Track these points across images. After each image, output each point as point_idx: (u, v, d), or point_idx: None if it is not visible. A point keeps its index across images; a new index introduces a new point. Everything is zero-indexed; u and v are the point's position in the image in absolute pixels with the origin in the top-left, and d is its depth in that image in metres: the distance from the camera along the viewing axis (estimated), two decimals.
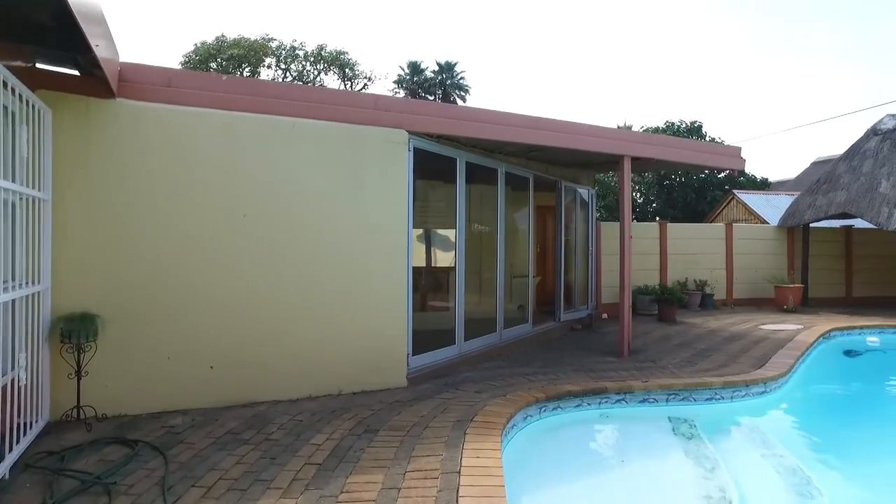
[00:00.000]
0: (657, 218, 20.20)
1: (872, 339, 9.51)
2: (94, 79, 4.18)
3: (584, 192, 10.77)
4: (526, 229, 9.30)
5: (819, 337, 8.72)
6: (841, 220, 13.47)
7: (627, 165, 7.59)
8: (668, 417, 5.39)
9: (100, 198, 4.64)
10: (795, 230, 13.52)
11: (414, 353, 6.08)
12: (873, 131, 12.52)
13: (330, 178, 5.52)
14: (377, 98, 5.86)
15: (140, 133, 4.77)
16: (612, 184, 20.34)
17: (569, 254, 10.42)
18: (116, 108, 4.66)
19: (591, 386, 5.50)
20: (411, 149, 6.02)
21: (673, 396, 5.61)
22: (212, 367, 4.98)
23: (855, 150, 12.66)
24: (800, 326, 9.78)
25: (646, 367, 6.70)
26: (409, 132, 5.94)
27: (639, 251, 12.31)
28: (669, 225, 12.70)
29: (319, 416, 4.77)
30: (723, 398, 5.71)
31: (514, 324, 8.51)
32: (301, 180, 5.38)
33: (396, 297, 5.85)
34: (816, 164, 24.67)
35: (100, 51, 3.36)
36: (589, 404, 5.43)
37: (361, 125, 5.66)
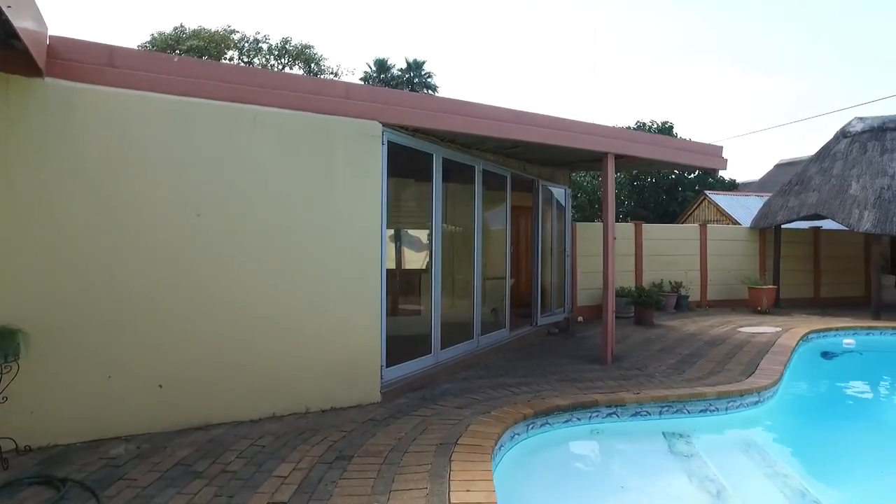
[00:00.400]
0: (629, 218, 20.13)
1: (848, 342, 9.44)
2: (14, 52, 3.55)
3: (560, 191, 10.45)
4: (503, 229, 8.90)
5: (799, 340, 8.57)
6: (810, 222, 13.53)
7: (611, 163, 7.26)
8: (663, 433, 5.04)
9: (25, 193, 4.00)
10: (767, 231, 13.51)
11: (388, 365, 5.59)
12: (842, 133, 12.58)
13: (296, 173, 4.98)
14: (349, 87, 5.34)
15: (75, 119, 4.15)
16: (584, 183, 20.18)
17: (545, 255, 10.08)
18: (45, 89, 4.03)
19: (580, 399, 5.11)
20: (385, 142, 5.52)
21: (666, 409, 5.27)
22: (160, 387, 4.39)
23: (825, 152, 12.70)
24: (778, 329, 9.65)
25: (632, 375, 6.36)
26: (384, 124, 5.44)
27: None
28: (645, 226, 12.51)
29: (285, 441, 4.24)
30: (717, 409, 5.40)
31: (491, 329, 8.10)
32: (264, 176, 4.82)
33: (369, 305, 5.34)
34: (780, 167, 25.11)
35: (14, 14, 2.77)
36: (579, 419, 5.04)
37: (332, 116, 5.13)
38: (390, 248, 6.97)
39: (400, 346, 5.99)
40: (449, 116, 5.80)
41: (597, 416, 5.09)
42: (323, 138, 5.10)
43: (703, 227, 13.05)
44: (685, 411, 5.31)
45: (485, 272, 8.10)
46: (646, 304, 10.49)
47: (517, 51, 64.89)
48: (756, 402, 5.61)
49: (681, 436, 4.97)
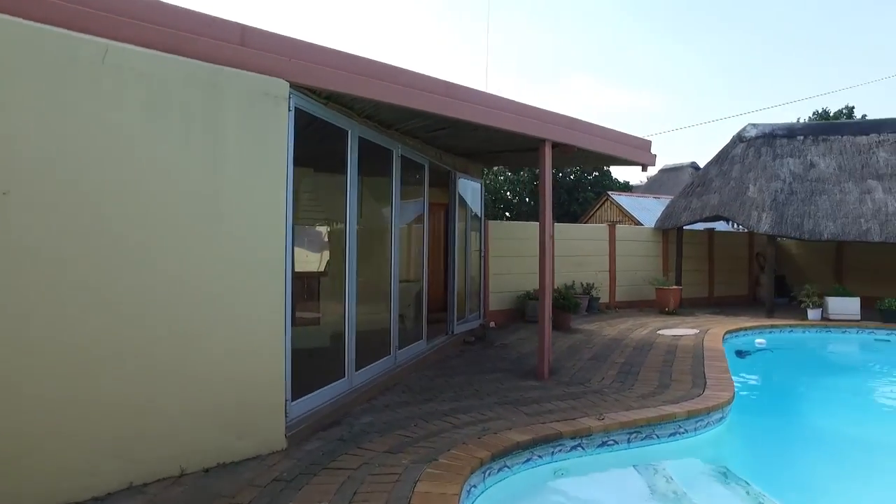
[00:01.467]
0: (531, 218, 19.95)
1: (760, 341, 9.47)
2: None
3: (475, 185, 9.58)
4: (420, 226, 7.84)
5: (722, 342, 8.37)
6: (707, 223, 13.88)
7: (548, 153, 6.46)
8: (635, 467, 4.24)
9: None
10: (669, 232, 13.64)
11: (294, 397, 4.30)
12: (739, 138, 12.96)
13: (166, 142, 3.55)
14: (246, 30, 3.99)
15: None
16: (487, 182, 19.68)
17: (461, 255, 9.18)
18: None
19: (542, 433, 4.17)
20: (293, 108, 4.24)
21: (635, 435, 4.49)
22: None
23: (724, 156, 13.01)
24: (695, 330, 9.47)
25: (579, 393, 5.57)
26: (292, 85, 4.16)
27: (524, 253, 11.45)
28: (557, 225, 12.02)
29: None
30: (686, 431, 4.72)
31: (408, 342, 7.01)
32: (115, 143, 3.36)
33: (269, 322, 4.04)
34: (664, 172, 26.41)
35: None
36: (540, 456, 4.10)
37: (223, 67, 3.77)
38: (297, 250, 5.65)
39: (307, 371, 4.73)
40: (377, 83, 4.63)
41: (560, 450, 4.19)
42: (208, 96, 3.72)
43: (611, 227, 12.86)
44: (654, 436, 4.57)
45: (401, 275, 7.00)
46: (564, 307, 9.92)
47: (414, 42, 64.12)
48: (721, 419, 5.03)
49: (655, 470, 4.20)
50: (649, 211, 16.27)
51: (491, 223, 11.07)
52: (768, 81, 59.57)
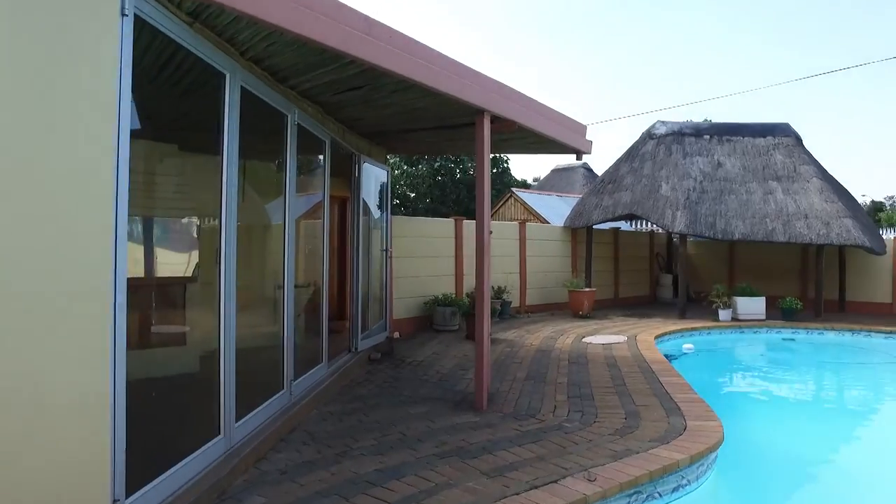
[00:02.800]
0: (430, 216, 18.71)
1: (688, 346, 8.93)
2: None
3: (382, 173, 8.11)
4: (319, 219, 6.27)
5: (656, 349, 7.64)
6: (613, 223, 13.50)
7: (487, 128, 5.19)
8: None
9: None
10: (579, 231, 13.04)
11: (132, 490, 2.62)
12: (648, 135, 12.64)
13: None
14: None
15: None
16: None
17: (365, 255, 7.69)
18: None
19: None
20: (130, 12, 2.56)
21: (636, 496, 3.31)
22: None
23: (634, 152, 12.62)
24: (622, 337, 8.71)
25: (535, 431, 4.35)
26: None
27: (435, 253, 10.18)
28: (465, 222, 10.87)
29: None
30: (689, 482, 3.64)
31: (306, 367, 5.43)
32: None
33: (80, 384, 2.35)
34: (556, 171, 26.46)
35: None
36: None
37: None
38: (138, 246, 3.88)
39: (159, 436, 3.05)
40: None
41: None
42: None
43: (522, 224, 11.95)
44: (656, 495, 3.43)
45: (297, 280, 5.44)
46: None
47: None
48: (715, 459, 4.02)
49: None
50: (554, 209, 15.74)
51: (396, 219, 9.66)
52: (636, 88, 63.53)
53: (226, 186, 3.67)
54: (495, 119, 5.35)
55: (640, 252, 14.95)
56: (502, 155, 20.82)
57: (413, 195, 18.68)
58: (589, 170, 25.51)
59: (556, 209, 15.99)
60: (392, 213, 9.48)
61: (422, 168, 17.57)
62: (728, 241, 14.41)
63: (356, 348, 7.02)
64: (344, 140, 6.64)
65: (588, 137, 7.07)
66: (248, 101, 3.90)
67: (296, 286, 5.52)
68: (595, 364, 6.84)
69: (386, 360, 7.42)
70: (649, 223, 16.17)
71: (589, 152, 7.21)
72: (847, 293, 12.54)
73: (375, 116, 6.19)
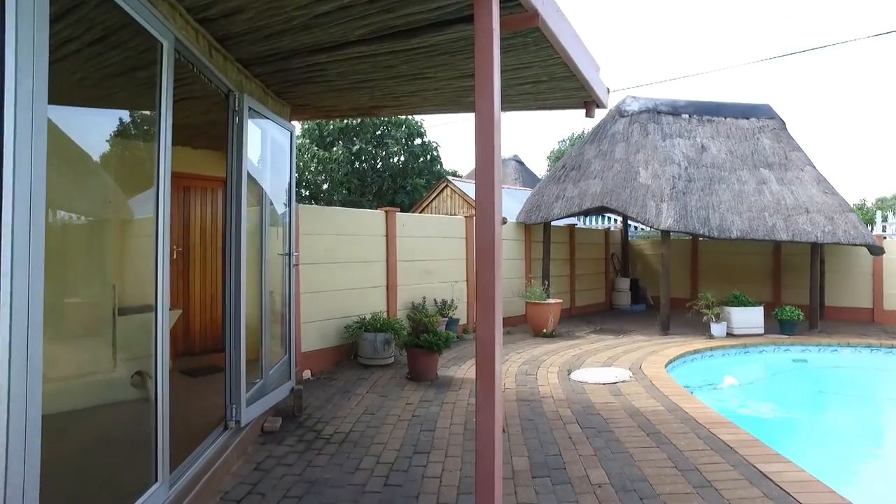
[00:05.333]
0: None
1: (730, 380, 6.71)
2: None
3: (280, 135, 5.24)
4: (165, 206, 3.33)
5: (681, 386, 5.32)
6: (566, 220, 11.30)
7: (495, 12, 2.54)
8: None
9: None
10: (533, 228, 10.68)
11: None
12: (619, 112, 10.48)
13: None
14: None
15: None
16: None
17: (253, 265, 4.86)
18: None
19: None
20: None
21: None
22: None
23: (602, 133, 10.42)
24: (624, 371, 6.32)
25: None
26: None
27: (360, 257, 7.41)
28: (399, 216, 8.14)
29: None
30: None
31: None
32: None
33: None
34: None
35: None
36: None
37: None
38: None
39: None
40: None
41: None
42: None
43: (469, 220, 9.39)
44: None
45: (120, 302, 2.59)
46: (430, 346, 6.06)
47: None
48: None
49: None
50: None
51: (305, 209, 6.78)
52: None
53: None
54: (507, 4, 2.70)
55: (595, 253, 12.88)
56: (432, 140, 18.24)
57: (326, 185, 15.53)
58: (520, 163, 23.51)
59: (503, 201, 13.61)
60: (299, 202, 6.63)
61: (337, 152, 14.60)
62: (687, 241, 12.69)
63: (237, 420, 4.13)
64: (216, 68, 3.74)
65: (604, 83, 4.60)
66: None
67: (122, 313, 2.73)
68: (623, 430, 4.37)
69: (290, 433, 4.58)
70: (618, 219, 14.19)
71: (605, 105, 4.75)
72: (825, 298, 11.04)
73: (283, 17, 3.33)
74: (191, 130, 6.04)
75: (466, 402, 5.27)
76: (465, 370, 6.63)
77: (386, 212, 7.91)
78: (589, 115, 4.74)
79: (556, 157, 35.01)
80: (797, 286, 11.16)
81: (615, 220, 14.94)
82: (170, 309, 5.99)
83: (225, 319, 4.13)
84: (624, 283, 13.14)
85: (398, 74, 4.46)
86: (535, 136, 60.99)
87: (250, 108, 4.29)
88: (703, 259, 12.85)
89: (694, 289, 12.47)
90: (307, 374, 6.52)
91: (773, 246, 11.64)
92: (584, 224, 14.48)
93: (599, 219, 15.39)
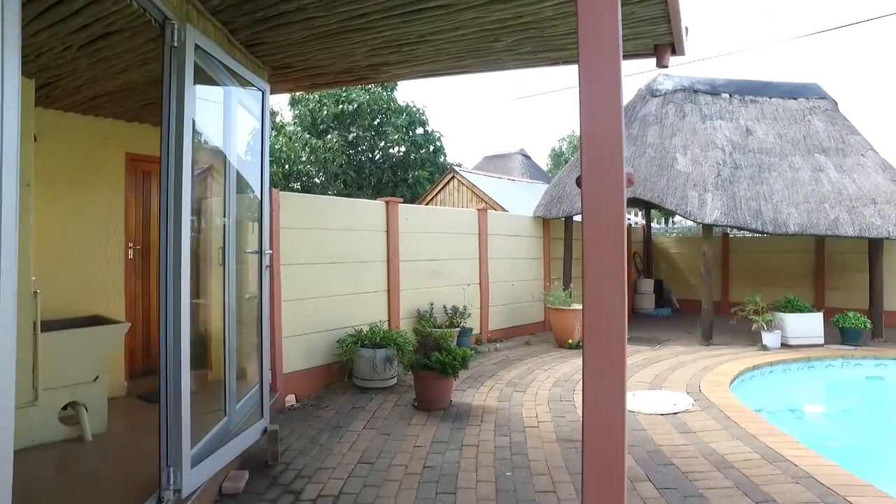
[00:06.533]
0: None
1: (814, 406, 5.49)
2: None
3: (245, 95, 4.01)
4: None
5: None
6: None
7: None
8: None
9: None
10: (552, 223, 9.47)
11: None
12: (650, 92, 9.27)
13: None
14: None
15: None
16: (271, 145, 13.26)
17: (206, 268, 3.67)
18: None
19: None
20: None
21: None
22: None
23: (631, 115, 9.19)
24: (682, 396, 5.10)
25: None
26: None
27: (346, 257, 6.18)
28: (402, 207, 6.91)
29: None
30: None
31: None
32: None
33: None
34: (489, 160, 22.98)
35: None
36: None
37: None
38: None
39: None
40: None
41: None
42: None
43: (482, 214, 8.17)
44: None
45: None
46: (442, 369, 4.83)
47: None
48: None
49: None
50: (510, 195, 12.14)
51: (287, 198, 5.54)
52: None
53: None
54: None
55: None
56: (435, 130, 16.84)
57: (320, 178, 14.23)
58: (527, 157, 22.28)
59: (512, 195, 12.37)
60: (277, 188, 5.40)
61: (332, 140, 13.35)
62: (717, 236, 11.48)
63: (177, 489, 2.89)
64: None
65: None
66: None
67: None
68: (718, 495, 3.14)
69: (259, 495, 3.37)
70: (640, 214, 12.94)
71: (684, 50, 3.53)
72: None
73: None
74: (141, 97, 4.83)
75: (493, 445, 4.05)
76: (486, 394, 5.41)
77: (386, 202, 6.68)
78: (661, 63, 3.51)
79: (557, 156, 33.79)
80: (845, 288, 9.94)
81: (637, 216, 13.72)
82: (119, 321, 4.73)
83: (161, 348, 2.89)
84: (647, 285, 11.94)
85: (401, 3, 3.25)
86: (537, 132, 59.64)
87: (199, 49, 3.06)
88: (734, 258, 11.64)
89: (725, 291, 11.27)
90: (291, 399, 5.31)
91: (814, 243, 10.43)
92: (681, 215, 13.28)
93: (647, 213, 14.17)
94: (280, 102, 17.66)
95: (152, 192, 6.00)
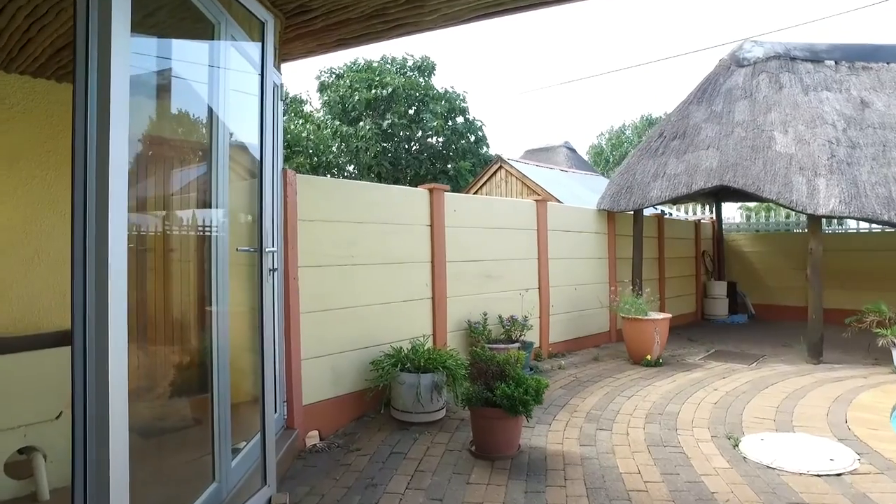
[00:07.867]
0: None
1: None
2: None
3: (246, 52, 2.88)
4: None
5: None
6: (650, 209, 8.74)
7: None
8: None
9: None
10: (618, 217, 8.16)
11: None
12: (735, 61, 7.87)
13: None
14: None
15: None
16: (298, 129, 12.12)
17: (199, 267, 2.55)
18: None
19: None
20: None
21: None
22: None
23: (712, 89, 7.80)
24: (842, 449, 3.78)
25: None
26: None
27: (381, 257, 5.02)
28: (449, 197, 5.72)
29: None
30: None
31: None
32: None
33: None
34: (531, 153, 21.61)
35: None
36: None
37: None
38: None
39: None
40: None
41: None
42: None
43: (541, 205, 6.93)
44: None
45: None
46: (510, 406, 3.62)
47: None
48: None
49: None
50: (565, 187, 10.86)
51: (304, 181, 4.39)
52: None
53: None
54: None
55: (685, 250, 10.25)
56: (476, 118, 15.51)
57: (352, 168, 13.14)
58: (572, 150, 20.84)
59: (567, 187, 11.08)
60: (292, 170, 4.27)
61: (364, 127, 12.27)
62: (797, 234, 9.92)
63: None
64: None
65: None
66: None
67: None
68: None
69: None
70: (707, 207, 11.50)
71: None
72: None
73: None
74: None
75: None
76: (561, 433, 4.18)
77: (430, 190, 5.50)
78: None
79: (597, 153, 32.16)
80: None
81: (707, 210, 12.23)
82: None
83: (73, 404, 1.78)
84: (720, 288, 10.48)
85: None
86: (580, 125, 57.47)
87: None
88: (829, 258, 10.05)
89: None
90: (314, 436, 4.20)
91: None
92: (674, 214, 11.84)
93: (672, 207, 12.71)
94: (308, 88, 16.81)
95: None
